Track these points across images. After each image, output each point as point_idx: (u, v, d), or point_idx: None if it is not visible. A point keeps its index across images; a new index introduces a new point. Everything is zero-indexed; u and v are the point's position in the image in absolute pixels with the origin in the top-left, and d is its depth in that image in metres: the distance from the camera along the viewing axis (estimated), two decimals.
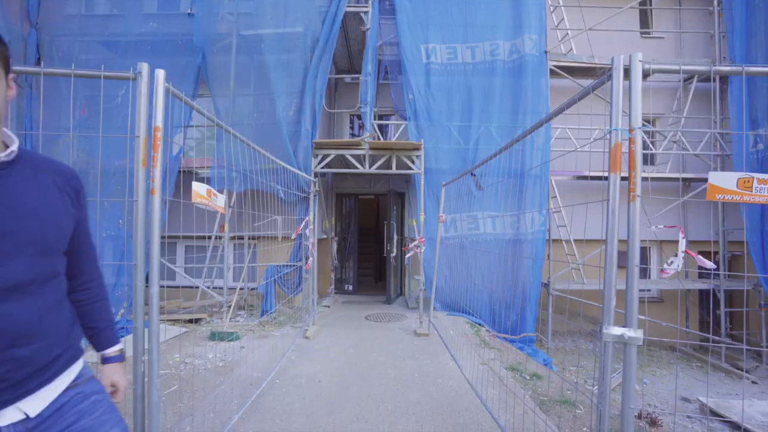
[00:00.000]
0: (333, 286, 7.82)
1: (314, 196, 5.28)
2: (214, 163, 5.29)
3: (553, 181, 6.89)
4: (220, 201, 2.12)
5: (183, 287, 6.85)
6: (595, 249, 7.32)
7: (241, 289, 5.95)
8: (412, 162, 5.38)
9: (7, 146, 0.89)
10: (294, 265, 5.34)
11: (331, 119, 7.81)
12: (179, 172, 5.77)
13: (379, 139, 5.64)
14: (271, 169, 4.95)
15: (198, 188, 1.93)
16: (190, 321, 5.81)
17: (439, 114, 6.58)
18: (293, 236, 4.44)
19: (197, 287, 6.49)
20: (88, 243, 1.09)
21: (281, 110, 5.05)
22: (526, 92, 6.76)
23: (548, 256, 6.77)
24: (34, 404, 0.90)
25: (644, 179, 7.48)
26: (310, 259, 4.92)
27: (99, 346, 1.14)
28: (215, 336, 4.86)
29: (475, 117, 6.70)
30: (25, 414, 0.88)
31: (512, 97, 6.75)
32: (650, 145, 7.06)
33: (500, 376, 3.66)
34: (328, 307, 6.72)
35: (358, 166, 5.29)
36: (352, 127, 8.25)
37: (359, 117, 7.23)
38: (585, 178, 7.19)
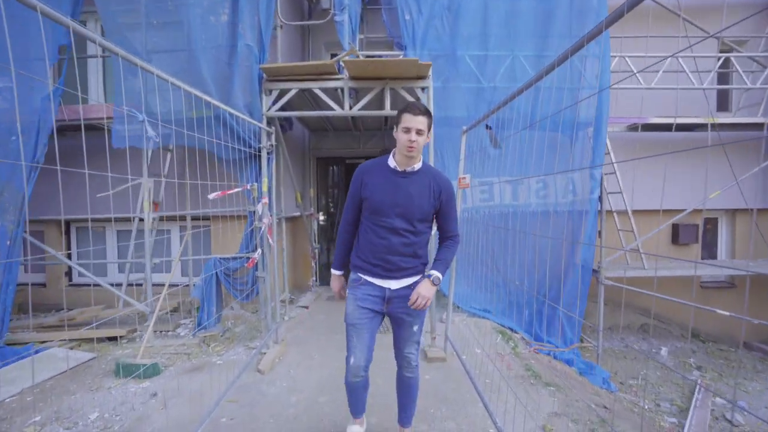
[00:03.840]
0: (315, 277, 6.13)
1: (268, 153, 3.48)
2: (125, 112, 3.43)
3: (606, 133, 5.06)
4: None
5: (117, 285, 5.15)
6: (655, 223, 5.62)
7: (174, 285, 4.24)
8: (417, 99, 3.55)
9: (415, 164, 1.83)
10: (246, 257, 3.61)
11: (304, 57, 5.89)
12: (74, 127, 3.94)
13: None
14: (202, 116, 3.16)
15: None
16: (113, 338, 4.15)
17: (448, 40, 4.70)
18: (211, 196, 2.67)
19: (138, 284, 4.80)
20: (449, 220, 1.91)
21: (206, 14, 3.16)
22: (569, 6, 4.84)
23: (600, 233, 5.04)
24: (393, 284, 1.86)
25: (720, 126, 5.70)
26: (258, 251, 3.19)
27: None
28: (122, 370, 3.20)
29: (496, 43, 4.81)
30: (389, 288, 1.86)
31: (550, 14, 4.81)
32: (744, 78, 5.18)
33: None
34: (306, 308, 5.04)
35: (334, 106, 3.47)
36: None
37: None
38: (653, 128, 5.35)
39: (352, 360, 1.89)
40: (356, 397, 2.05)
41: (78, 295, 5.41)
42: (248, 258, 3.68)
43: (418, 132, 1.72)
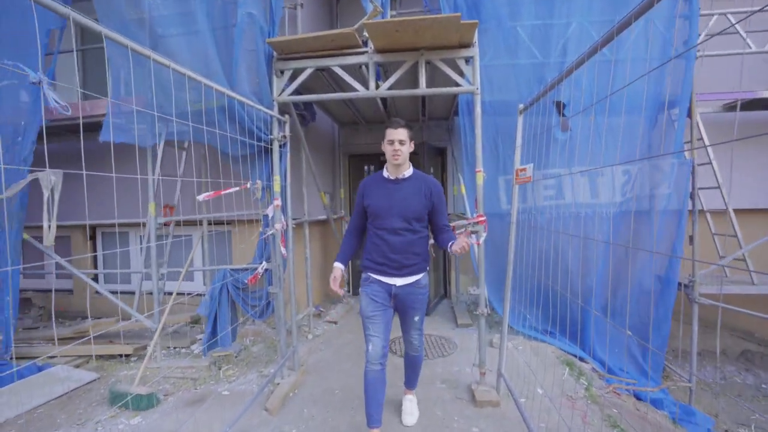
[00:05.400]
0: (348, 287, 5.57)
1: (281, 146, 2.93)
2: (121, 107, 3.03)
3: (697, 115, 4.06)
4: None
5: (148, 294, 4.83)
6: (759, 225, 4.56)
7: (185, 295, 3.80)
8: (460, 74, 2.85)
9: (405, 171, 2.13)
10: (257, 269, 3.08)
11: None
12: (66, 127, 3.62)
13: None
14: (210, 108, 2.69)
15: None
16: (124, 355, 3.81)
17: (498, 7, 3.94)
18: (200, 198, 2.16)
19: (168, 294, 4.42)
20: (441, 216, 2.16)
21: None
22: None
23: (691, 238, 4.04)
24: (398, 281, 2.11)
25: None
26: (262, 264, 2.64)
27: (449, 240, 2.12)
28: (116, 399, 2.77)
29: (558, 9, 3.97)
30: (395, 285, 2.11)
31: None
32: None
33: None
34: (335, 323, 4.47)
35: (357, 86, 2.85)
36: None
37: None
38: (761, 105, 4.25)
39: (370, 347, 2.12)
40: (374, 392, 2.11)
41: (105, 303, 5.19)
42: (264, 270, 3.15)
43: (401, 142, 2.03)
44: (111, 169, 1.59)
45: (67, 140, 4.61)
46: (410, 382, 2.49)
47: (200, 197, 2.17)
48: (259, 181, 2.42)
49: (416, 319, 2.22)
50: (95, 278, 5.31)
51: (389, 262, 2.08)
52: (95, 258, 5.31)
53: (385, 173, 2.15)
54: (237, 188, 2.35)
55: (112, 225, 5.13)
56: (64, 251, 5.25)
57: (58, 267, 5.32)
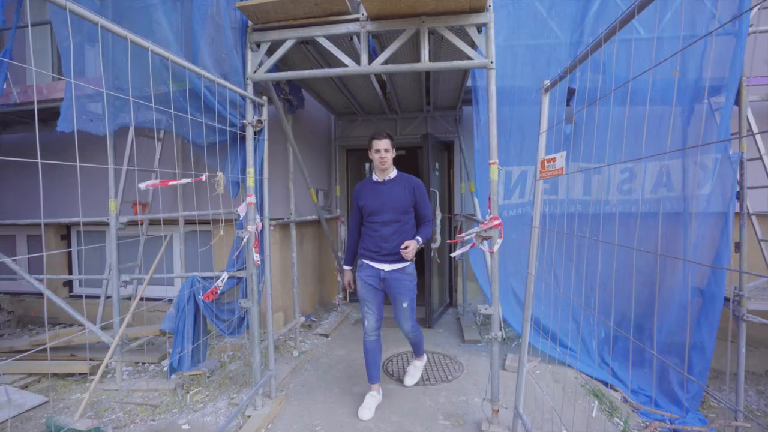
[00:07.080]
0: (341, 294, 5.07)
1: (257, 132, 2.46)
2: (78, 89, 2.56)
3: (746, 102, 3.50)
4: None
5: (125, 299, 4.38)
6: None
7: (145, 299, 3.34)
8: (471, 44, 2.34)
9: (390, 173, 2.50)
10: (233, 278, 2.61)
11: None
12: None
13: None
14: (176, 90, 2.22)
15: None
16: (81, 374, 3.35)
17: None
18: (142, 185, 1.69)
19: (126, 298, 3.94)
20: (423, 208, 2.51)
21: None
22: None
23: (737, 246, 3.48)
24: (386, 267, 2.44)
25: None
26: (223, 277, 2.17)
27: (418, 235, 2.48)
28: None
29: None
30: (383, 270, 2.45)
31: None
32: None
33: None
34: (326, 336, 3.98)
35: (347, 61, 2.37)
36: None
37: None
38: None
39: (366, 323, 2.57)
40: (372, 357, 2.60)
41: (78, 307, 4.77)
42: (238, 279, 2.68)
43: (385, 150, 2.43)
44: (77, 161, 1.12)
45: (31, 130, 4.18)
46: (417, 353, 2.88)
47: (142, 185, 1.71)
48: (220, 173, 1.95)
49: (405, 305, 2.47)
50: (69, 282, 4.89)
51: (380, 250, 2.43)
52: (70, 260, 4.89)
53: (374, 177, 2.54)
54: (189, 180, 1.88)
55: (87, 223, 4.70)
56: (36, 251, 4.84)
57: (32, 269, 4.91)
